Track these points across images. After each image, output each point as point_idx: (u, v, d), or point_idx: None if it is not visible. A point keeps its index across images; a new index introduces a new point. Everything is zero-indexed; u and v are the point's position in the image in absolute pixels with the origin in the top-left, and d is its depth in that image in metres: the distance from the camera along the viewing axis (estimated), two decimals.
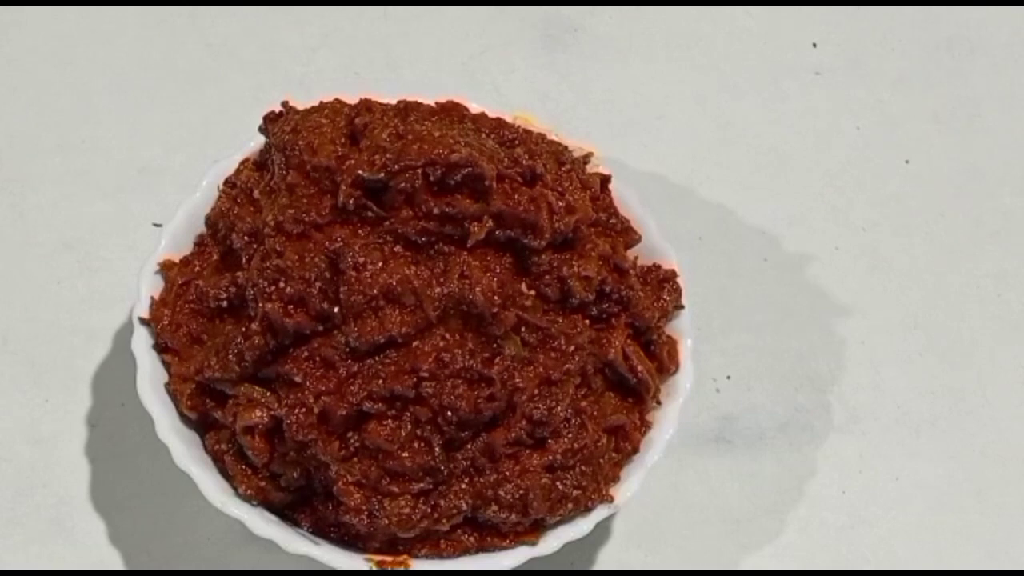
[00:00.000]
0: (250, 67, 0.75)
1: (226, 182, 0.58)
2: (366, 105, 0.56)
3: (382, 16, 0.78)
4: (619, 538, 0.60)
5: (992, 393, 0.66)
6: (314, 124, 0.54)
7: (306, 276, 0.50)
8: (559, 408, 0.51)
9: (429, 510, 0.51)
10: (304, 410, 0.50)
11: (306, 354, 0.50)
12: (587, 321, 0.53)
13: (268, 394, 0.51)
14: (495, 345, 0.51)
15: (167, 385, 0.54)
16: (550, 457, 0.51)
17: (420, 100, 0.57)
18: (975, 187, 0.73)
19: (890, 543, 0.61)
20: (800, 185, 0.73)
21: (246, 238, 0.53)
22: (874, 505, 0.62)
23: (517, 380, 0.50)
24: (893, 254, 0.70)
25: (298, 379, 0.50)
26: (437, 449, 0.50)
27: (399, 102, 0.57)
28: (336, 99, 0.56)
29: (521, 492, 0.51)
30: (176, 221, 0.58)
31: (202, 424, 0.54)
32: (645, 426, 0.55)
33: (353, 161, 0.51)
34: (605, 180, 0.59)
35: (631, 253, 0.58)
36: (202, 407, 0.53)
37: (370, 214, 0.51)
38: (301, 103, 0.56)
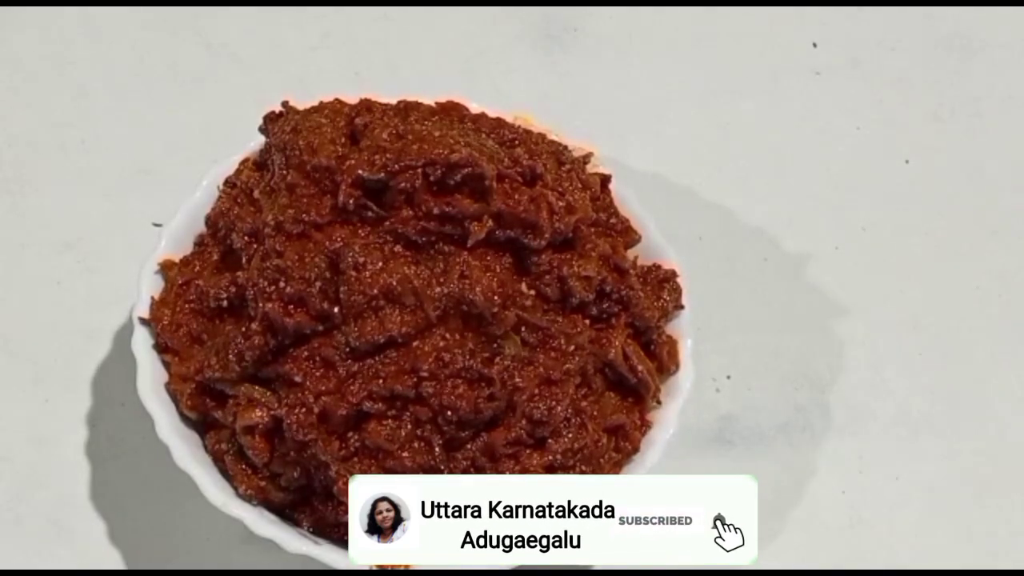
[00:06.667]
0: (250, 67, 0.75)
1: (226, 182, 0.58)
2: (366, 105, 0.56)
3: (382, 16, 0.78)
4: None
5: (992, 393, 0.66)
6: (314, 124, 0.54)
7: (306, 276, 0.50)
8: (559, 408, 0.51)
9: None
10: (304, 410, 0.50)
11: (306, 354, 0.50)
12: (587, 321, 0.53)
13: (268, 394, 0.51)
14: (495, 345, 0.51)
15: (167, 385, 0.54)
16: (550, 457, 0.51)
17: (420, 100, 0.57)
18: (975, 187, 0.73)
19: (890, 543, 0.61)
20: (800, 185, 0.73)
21: (246, 238, 0.53)
22: (874, 505, 0.62)
23: (517, 380, 0.50)
24: (893, 254, 0.70)
25: (298, 379, 0.50)
26: (437, 449, 0.50)
27: (399, 102, 0.57)
28: (336, 99, 0.56)
29: None
30: (176, 221, 0.58)
31: (202, 424, 0.54)
32: (645, 426, 0.55)
33: (353, 161, 0.51)
34: (605, 180, 0.59)
35: (631, 253, 0.58)
36: (202, 407, 0.53)
37: (370, 214, 0.51)
38: (301, 103, 0.56)
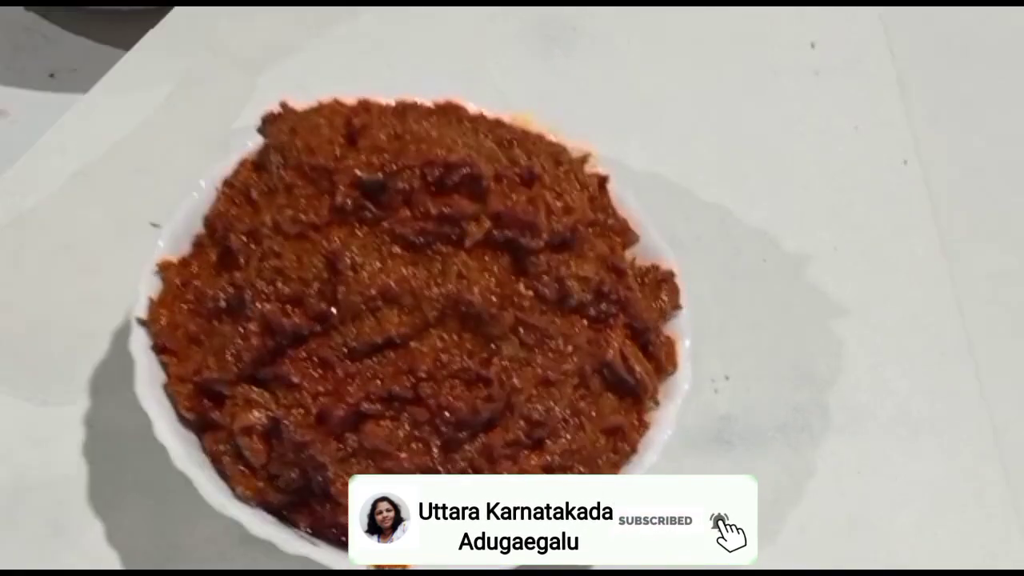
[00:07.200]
0: (250, 67, 0.75)
1: (224, 183, 0.58)
2: (364, 105, 0.56)
3: (381, 16, 0.78)
4: None
5: (992, 393, 0.65)
6: (312, 125, 0.54)
7: (304, 276, 0.50)
8: (557, 408, 0.51)
9: None
10: (302, 411, 0.50)
11: (304, 355, 0.50)
12: (585, 321, 0.53)
13: (266, 395, 0.51)
14: (493, 345, 0.51)
15: (165, 386, 0.54)
16: (548, 458, 0.51)
17: (418, 100, 0.57)
18: (975, 187, 0.73)
19: (890, 543, 0.61)
20: (800, 185, 0.73)
21: (244, 239, 0.53)
22: (874, 505, 0.61)
23: (515, 380, 0.50)
24: (893, 254, 0.70)
25: (296, 380, 0.50)
26: (435, 450, 0.50)
27: (397, 102, 0.57)
28: (334, 99, 0.56)
29: None
30: (174, 222, 0.58)
31: (200, 425, 0.54)
32: (643, 427, 0.55)
33: (351, 161, 0.51)
34: (603, 180, 0.59)
35: (629, 253, 0.58)
36: (200, 408, 0.53)
37: (368, 214, 0.51)
38: (300, 103, 0.56)
